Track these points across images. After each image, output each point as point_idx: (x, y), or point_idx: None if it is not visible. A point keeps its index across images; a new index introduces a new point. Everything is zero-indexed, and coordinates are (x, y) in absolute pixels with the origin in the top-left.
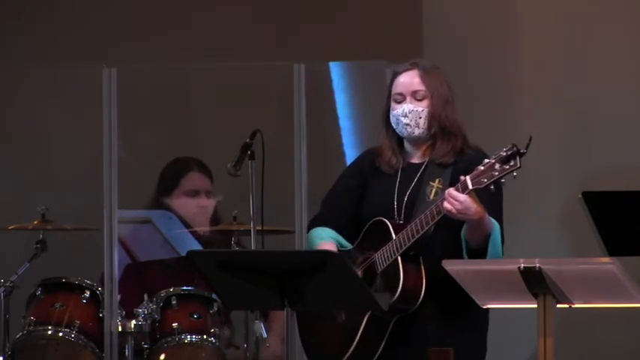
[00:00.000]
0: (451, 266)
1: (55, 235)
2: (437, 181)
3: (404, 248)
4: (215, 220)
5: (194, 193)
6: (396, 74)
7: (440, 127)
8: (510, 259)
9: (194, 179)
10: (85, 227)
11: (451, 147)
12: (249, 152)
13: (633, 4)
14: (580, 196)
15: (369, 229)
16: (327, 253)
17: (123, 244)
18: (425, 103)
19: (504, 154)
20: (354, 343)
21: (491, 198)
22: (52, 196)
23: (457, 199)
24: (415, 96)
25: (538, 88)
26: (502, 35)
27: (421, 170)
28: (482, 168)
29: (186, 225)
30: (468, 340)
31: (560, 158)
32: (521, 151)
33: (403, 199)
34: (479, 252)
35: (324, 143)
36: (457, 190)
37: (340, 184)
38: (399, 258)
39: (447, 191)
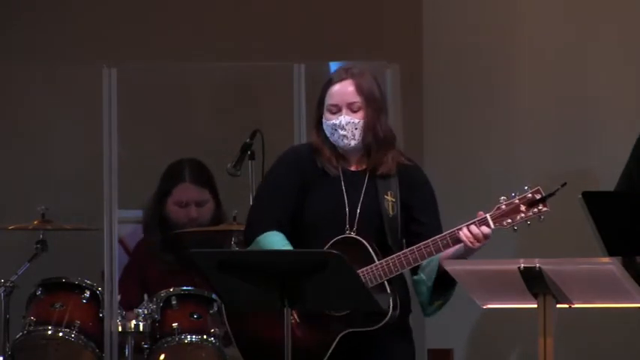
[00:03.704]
0: (451, 266)
1: (55, 235)
2: (389, 194)
3: (394, 274)
4: (216, 220)
5: (184, 204)
6: (329, 83)
7: (374, 138)
8: (510, 259)
9: (183, 191)
10: (85, 227)
11: (388, 156)
12: (249, 152)
13: (632, 5)
14: (580, 196)
15: (338, 245)
16: (327, 253)
17: (123, 244)
18: (360, 114)
19: (531, 196)
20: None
21: (432, 206)
22: (52, 196)
23: (489, 237)
24: (351, 107)
25: (538, 88)
26: (502, 35)
27: (366, 180)
28: (504, 207)
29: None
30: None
31: (560, 158)
32: (548, 195)
33: (356, 209)
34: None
35: None
36: (477, 226)
37: (278, 181)
38: (386, 283)
39: (473, 228)
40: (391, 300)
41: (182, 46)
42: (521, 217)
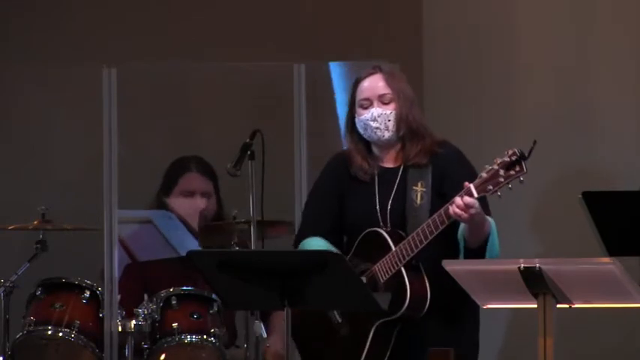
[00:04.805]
0: (451, 266)
1: (55, 235)
2: (419, 184)
3: (407, 259)
4: (217, 218)
5: (189, 194)
6: (358, 80)
7: (408, 129)
8: (510, 259)
9: (190, 180)
10: (85, 227)
11: (421, 147)
12: (249, 152)
13: (632, 6)
14: (580, 196)
15: (363, 240)
16: (327, 253)
17: (123, 244)
18: (392, 106)
19: (508, 159)
20: (363, 357)
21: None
22: (52, 196)
23: (472, 206)
24: (382, 100)
25: (537, 87)
26: (502, 35)
27: (399, 175)
28: (485, 175)
29: (185, 224)
30: (465, 340)
31: (560, 157)
32: (525, 154)
33: (387, 206)
34: (476, 251)
35: (324, 143)
36: (461, 197)
37: (319, 193)
38: (403, 269)
39: (457, 199)
40: (408, 288)
41: (182, 46)
42: (501, 181)
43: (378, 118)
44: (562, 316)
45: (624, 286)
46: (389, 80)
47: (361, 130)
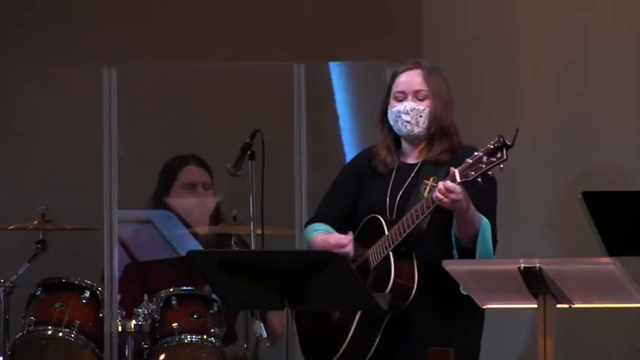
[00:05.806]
0: (451, 266)
1: (55, 235)
2: (431, 179)
3: (395, 244)
4: (216, 219)
5: (191, 186)
6: (397, 73)
7: (438, 128)
8: (510, 259)
9: (190, 172)
10: (85, 227)
11: (447, 146)
12: (249, 152)
13: (632, 6)
14: (580, 196)
15: (365, 226)
16: (327, 253)
17: (123, 244)
18: (426, 102)
19: (491, 146)
20: (347, 340)
21: (482, 197)
22: (52, 196)
23: (452, 191)
24: (417, 95)
25: (538, 88)
26: (502, 35)
27: (416, 169)
28: (470, 161)
29: (187, 220)
30: (462, 339)
31: (560, 158)
32: (508, 143)
33: (396, 197)
34: (469, 251)
35: (324, 143)
36: (443, 182)
37: (337, 184)
38: (391, 254)
39: (440, 183)
40: (392, 273)
41: (182, 46)
42: (482, 167)
43: (411, 112)
44: (562, 316)
45: (624, 286)
46: (426, 77)
47: (392, 122)
